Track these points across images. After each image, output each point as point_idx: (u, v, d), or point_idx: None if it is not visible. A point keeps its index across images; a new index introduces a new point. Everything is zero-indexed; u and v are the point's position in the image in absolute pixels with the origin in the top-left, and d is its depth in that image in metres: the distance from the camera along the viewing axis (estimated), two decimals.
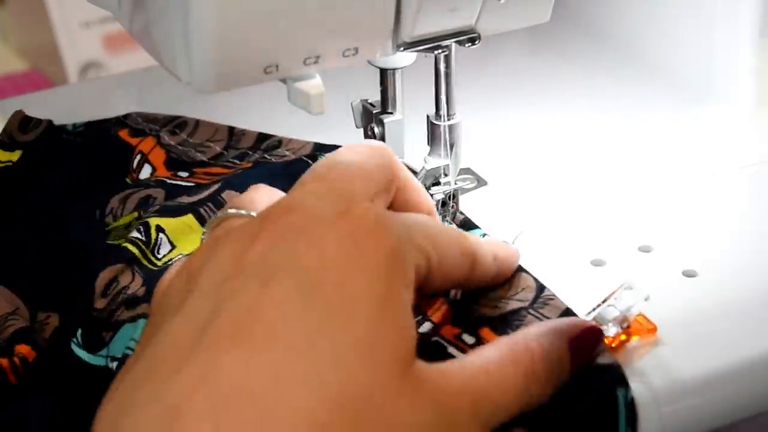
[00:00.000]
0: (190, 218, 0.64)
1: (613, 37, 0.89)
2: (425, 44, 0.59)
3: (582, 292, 0.62)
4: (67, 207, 0.68)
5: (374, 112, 0.66)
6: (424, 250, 0.48)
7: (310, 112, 0.57)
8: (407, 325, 0.44)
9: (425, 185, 0.64)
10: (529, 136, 0.78)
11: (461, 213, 0.66)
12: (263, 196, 0.52)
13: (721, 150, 0.76)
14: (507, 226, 0.67)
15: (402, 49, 0.59)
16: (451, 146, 0.63)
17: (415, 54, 0.61)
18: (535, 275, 0.61)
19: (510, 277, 0.61)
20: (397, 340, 0.43)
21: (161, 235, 0.63)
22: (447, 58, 0.62)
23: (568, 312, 0.59)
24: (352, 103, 0.67)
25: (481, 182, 0.66)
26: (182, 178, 0.70)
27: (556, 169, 0.74)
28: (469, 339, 0.60)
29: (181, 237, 0.64)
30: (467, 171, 0.66)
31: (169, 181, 0.70)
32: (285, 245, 0.44)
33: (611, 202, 0.70)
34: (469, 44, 0.60)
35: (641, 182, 0.73)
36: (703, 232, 0.67)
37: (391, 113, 0.65)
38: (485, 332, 0.59)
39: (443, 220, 0.64)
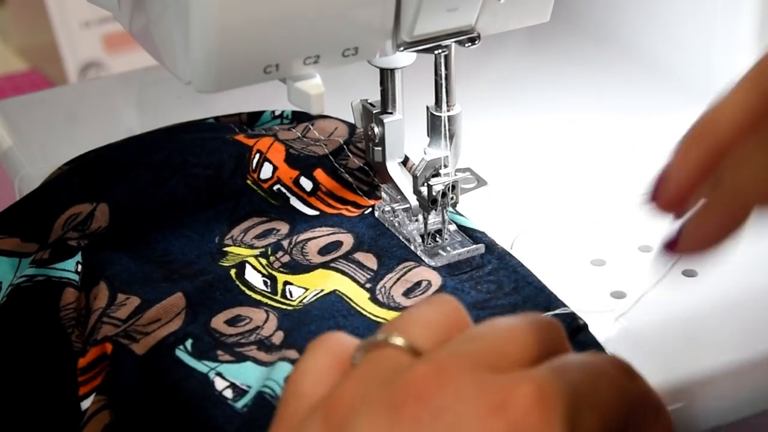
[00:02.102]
0: (320, 272, 0.64)
1: (612, 37, 0.89)
2: (425, 44, 0.59)
3: (582, 292, 0.62)
4: (183, 216, 0.67)
5: (374, 111, 0.66)
6: (594, 427, 0.41)
7: (310, 112, 0.57)
8: None
9: (424, 177, 0.63)
10: (529, 136, 0.78)
11: (455, 211, 0.67)
12: (434, 318, 0.45)
13: None
14: (507, 226, 0.67)
15: (402, 49, 0.59)
16: (451, 137, 0.63)
17: (415, 54, 0.61)
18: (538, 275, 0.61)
19: None
20: None
21: (289, 286, 0.63)
22: (446, 59, 0.62)
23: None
24: (352, 103, 0.67)
25: (481, 182, 0.66)
26: (305, 195, 0.69)
27: (556, 169, 0.74)
28: (306, 184, 0.68)
29: (311, 281, 0.63)
30: (467, 171, 0.66)
31: (290, 199, 0.68)
32: None
33: (611, 202, 0.70)
34: (469, 44, 0.60)
35: (641, 182, 0.73)
36: None
37: (391, 113, 0.65)
38: (319, 174, 0.68)
39: (442, 210, 0.64)
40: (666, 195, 0.47)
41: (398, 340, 0.43)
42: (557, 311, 0.57)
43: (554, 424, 0.40)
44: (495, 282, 0.61)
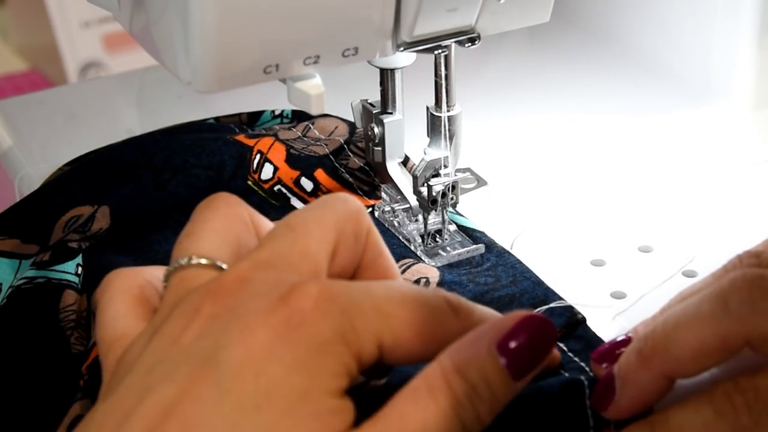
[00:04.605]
0: None
1: (612, 37, 0.89)
2: (425, 44, 0.59)
3: (582, 292, 0.62)
4: (184, 218, 0.67)
5: (374, 112, 0.66)
6: (375, 331, 0.45)
7: (310, 112, 0.57)
8: (329, 412, 0.43)
9: (424, 177, 0.64)
10: (529, 136, 0.78)
11: (453, 211, 0.67)
12: (228, 231, 0.50)
13: (720, 150, 0.76)
14: (507, 226, 0.67)
15: (402, 49, 0.59)
16: (451, 137, 0.63)
17: (415, 54, 0.61)
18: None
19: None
20: (315, 427, 0.43)
21: None
22: (446, 59, 0.62)
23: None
24: (352, 103, 0.67)
25: (481, 182, 0.66)
26: (306, 195, 0.69)
27: (556, 169, 0.74)
28: (307, 184, 0.68)
29: None
30: (467, 171, 0.66)
31: (291, 199, 0.69)
32: (219, 331, 0.44)
33: (611, 202, 0.70)
34: (469, 44, 0.60)
35: (641, 182, 0.73)
36: (703, 233, 0.67)
37: (391, 113, 0.65)
38: (319, 174, 0.68)
39: (442, 210, 0.64)
40: (616, 409, 0.49)
41: (202, 260, 0.48)
42: (555, 304, 0.57)
43: (328, 316, 0.44)
44: (493, 276, 0.61)
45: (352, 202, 0.49)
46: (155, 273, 0.52)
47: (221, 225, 0.50)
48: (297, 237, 0.47)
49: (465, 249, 0.64)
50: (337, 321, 0.44)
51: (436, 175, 0.64)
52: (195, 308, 0.46)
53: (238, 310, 0.45)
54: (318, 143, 0.71)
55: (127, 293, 0.50)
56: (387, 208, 0.66)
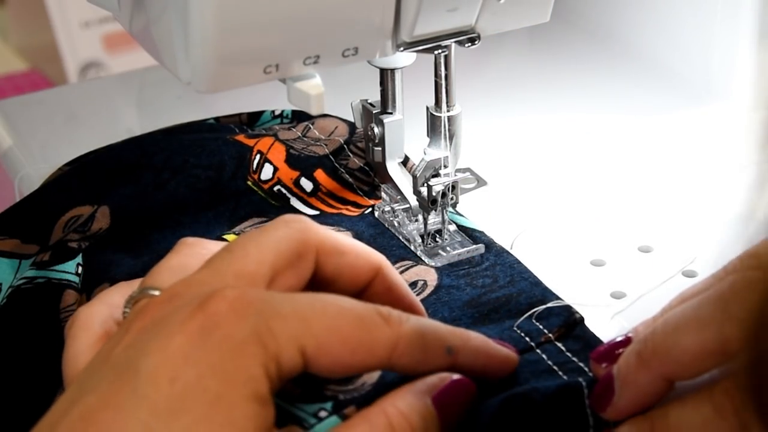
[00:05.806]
0: None
1: (612, 37, 0.89)
2: (425, 44, 0.59)
3: (582, 292, 0.62)
4: (183, 218, 0.68)
5: (374, 112, 0.66)
6: (293, 335, 0.46)
7: (310, 112, 0.57)
8: (244, 418, 0.44)
9: (424, 177, 0.64)
10: (529, 136, 0.78)
11: (453, 211, 0.67)
12: (182, 265, 0.52)
13: (720, 150, 0.76)
14: (507, 226, 0.67)
15: (402, 49, 0.59)
16: (451, 137, 0.63)
17: (415, 54, 0.61)
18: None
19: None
20: None
21: None
22: (446, 59, 0.62)
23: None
24: (352, 103, 0.67)
25: (481, 182, 0.66)
26: (305, 195, 0.69)
27: (555, 169, 0.74)
28: (307, 185, 0.68)
29: None
30: (467, 171, 0.66)
31: (290, 200, 0.69)
32: (142, 342, 0.46)
33: (611, 202, 0.70)
34: (469, 44, 0.60)
35: (641, 182, 0.73)
36: (703, 233, 0.67)
37: (391, 113, 0.65)
38: (319, 174, 0.68)
39: (442, 210, 0.64)
40: (614, 410, 0.49)
41: (154, 291, 0.50)
42: (552, 304, 0.57)
43: (243, 317, 0.45)
44: (491, 276, 0.61)
45: (294, 223, 0.50)
46: (119, 301, 0.53)
47: (176, 262, 0.52)
48: (234, 258, 0.49)
49: (465, 249, 0.64)
50: (252, 322, 0.45)
51: (436, 175, 0.64)
52: (128, 325, 0.47)
53: (162, 321, 0.46)
54: (318, 143, 0.71)
55: (89, 330, 0.52)
56: (387, 208, 0.66)
